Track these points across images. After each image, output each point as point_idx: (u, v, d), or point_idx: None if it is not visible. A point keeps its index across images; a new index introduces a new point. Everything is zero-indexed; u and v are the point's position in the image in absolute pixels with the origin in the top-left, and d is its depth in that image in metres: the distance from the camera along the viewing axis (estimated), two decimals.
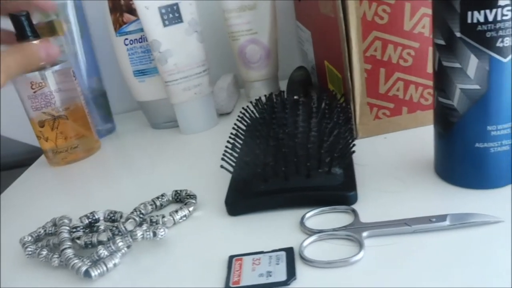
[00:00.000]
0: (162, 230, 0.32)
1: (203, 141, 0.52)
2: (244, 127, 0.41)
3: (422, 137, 0.39)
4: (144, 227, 0.32)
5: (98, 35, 0.61)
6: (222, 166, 0.35)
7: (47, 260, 0.32)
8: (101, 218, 0.36)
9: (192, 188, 0.38)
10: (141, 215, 0.35)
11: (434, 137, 0.33)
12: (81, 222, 0.35)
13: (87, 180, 0.48)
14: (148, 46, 0.54)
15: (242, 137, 0.39)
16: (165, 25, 0.51)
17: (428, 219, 0.28)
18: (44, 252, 0.33)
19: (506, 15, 0.26)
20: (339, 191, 0.32)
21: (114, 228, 0.33)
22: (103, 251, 0.31)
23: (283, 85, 0.60)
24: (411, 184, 0.33)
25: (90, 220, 0.35)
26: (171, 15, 0.51)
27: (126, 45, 0.56)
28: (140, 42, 0.55)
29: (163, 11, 0.50)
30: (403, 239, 0.28)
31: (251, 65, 0.61)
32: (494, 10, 0.26)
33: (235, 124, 0.41)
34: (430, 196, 0.31)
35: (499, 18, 0.26)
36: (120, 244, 0.31)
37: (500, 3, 0.25)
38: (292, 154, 0.33)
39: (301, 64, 0.63)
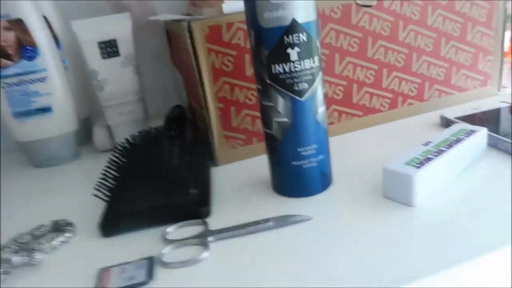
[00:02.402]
0: (37, 254, 0.36)
1: (77, 172, 0.57)
2: (116, 160, 0.47)
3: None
4: (22, 253, 0.36)
5: None
6: (95, 195, 0.40)
7: None
8: None
9: (70, 217, 0.43)
10: (18, 244, 0.38)
11: (268, 161, 0.42)
12: None
13: None
14: (27, 89, 0.57)
15: (114, 168, 0.45)
16: (103, 57, 0.60)
17: (257, 222, 0.36)
18: None
19: (297, 67, 0.36)
20: (194, 207, 0.39)
21: None
22: None
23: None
24: (252, 198, 0.42)
25: None
26: (109, 49, 0.60)
27: (3, 87, 0.58)
28: (18, 86, 0.58)
29: (102, 45, 0.60)
30: (240, 239, 0.36)
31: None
32: (288, 64, 0.36)
33: (109, 157, 0.46)
34: (266, 205, 0.40)
35: (292, 69, 0.36)
36: None
37: (292, 59, 0.36)
38: (157, 177, 0.40)
39: (179, 103, 0.70)
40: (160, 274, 0.33)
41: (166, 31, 0.69)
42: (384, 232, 0.34)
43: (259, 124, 0.50)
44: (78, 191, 0.52)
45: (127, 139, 0.51)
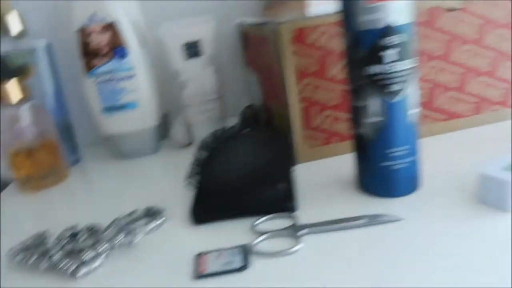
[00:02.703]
0: (136, 237, 0.39)
1: (158, 165, 0.60)
2: (202, 153, 0.49)
3: (349, 162, 0.49)
4: (121, 235, 0.39)
5: (67, 76, 0.67)
6: (188, 184, 0.42)
7: (36, 265, 0.38)
8: (82, 229, 0.42)
9: (162, 204, 0.45)
10: (118, 226, 0.41)
11: (354, 159, 0.43)
12: (65, 233, 0.41)
13: (60, 205, 0.53)
14: (117, 86, 0.61)
15: (201, 161, 0.47)
16: (186, 59, 0.64)
17: (349, 219, 0.37)
18: (33, 258, 0.38)
19: (392, 69, 0.36)
20: (283, 202, 0.41)
21: (94, 237, 0.39)
22: (86, 256, 0.37)
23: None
24: (338, 196, 0.43)
25: (72, 231, 0.41)
26: (193, 50, 0.64)
27: (96, 85, 0.63)
28: (108, 82, 0.62)
29: (186, 47, 0.64)
30: (330, 235, 0.36)
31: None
32: (383, 66, 0.36)
33: (197, 149, 0.49)
34: (352, 204, 0.41)
35: (387, 71, 0.36)
36: (101, 249, 0.38)
37: (387, 61, 0.36)
38: (247, 173, 0.42)
39: (251, 103, 0.72)
40: (254, 262, 0.34)
41: (242, 34, 0.71)
42: (479, 238, 0.33)
43: (339, 125, 0.51)
44: (163, 181, 0.54)
45: (211, 134, 0.53)
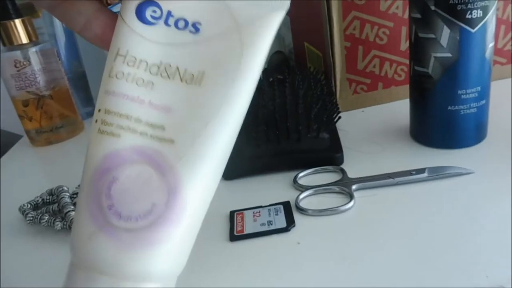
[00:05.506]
0: None
1: None
2: None
3: (396, 110, 0.43)
4: None
5: None
6: None
7: (49, 225, 0.33)
8: None
9: None
10: None
11: (410, 104, 0.37)
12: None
13: (73, 159, 0.49)
14: None
15: None
16: None
17: (409, 172, 0.31)
18: (46, 217, 0.34)
19: None
20: (327, 152, 0.35)
21: None
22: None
23: None
24: (389, 147, 0.37)
25: None
26: None
27: None
28: None
29: None
30: (388, 190, 0.31)
31: None
32: None
33: None
34: (408, 155, 0.35)
35: None
36: None
37: None
38: (284, 120, 0.36)
39: (278, 49, 0.66)
40: (299, 221, 0.29)
41: None
42: None
43: (387, 67, 0.44)
44: None
45: None
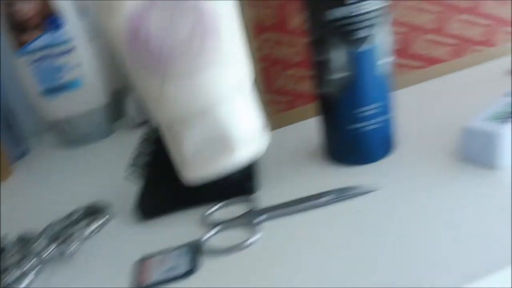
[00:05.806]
0: (70, 246, 0.33)
1: (110, 150, 0.53)
2: (149, 136, 0.42)
3: (314, 128, 0.43)
4: (53, 245, 0.33)
5: (3, 55, 0.59)
6: (129, 175, 0.36)
7: None
8: (12, 242, 0.36)
9: (106, 199, 0.39)
10: (51, 234, 0.35)
11: (319, 124, 0.36)
12: None
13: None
14: (54, 63, 0.53)
15: (147, 146, 0.40)
16: None
17: (314, 197, 0.31)
18: None
19: (356, 11, 0.29)
20: (238, 183, 0.34)
21: (24, 250, 0.33)
22: (10, 277, 0.31)
23: None
24: (303, 169, 0.36)
25: None
26: None
27: (30, 64, 0.54)
28: (44, 60, 0.54)
29: None
30: (295, 218, 0.30)
31: None
32: (345, 7, 0.29)
33: (142, 133, 0.42)
34: (319, 177, 0.35)
35: (351, 14, 0.29)
36: (28, 266, 0.32)
37: (350, 1, 0.29)
38: None
39: None
40: (205, 262, 0.29)
41: None
42: (464, 200, 0.28)
43: (304, 85, 0.44)
44: (113, 170, 0.48)
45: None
